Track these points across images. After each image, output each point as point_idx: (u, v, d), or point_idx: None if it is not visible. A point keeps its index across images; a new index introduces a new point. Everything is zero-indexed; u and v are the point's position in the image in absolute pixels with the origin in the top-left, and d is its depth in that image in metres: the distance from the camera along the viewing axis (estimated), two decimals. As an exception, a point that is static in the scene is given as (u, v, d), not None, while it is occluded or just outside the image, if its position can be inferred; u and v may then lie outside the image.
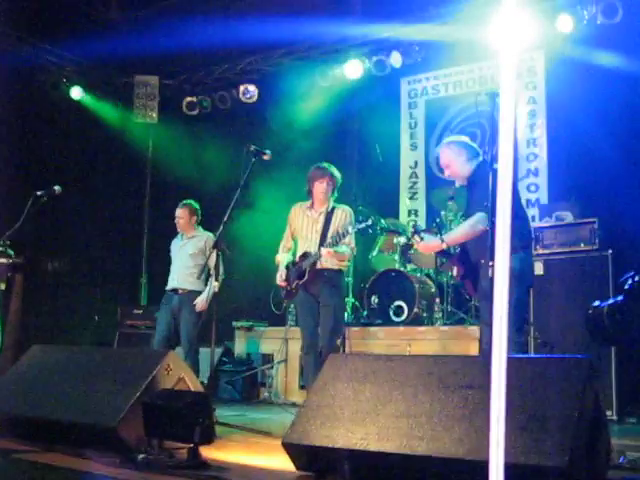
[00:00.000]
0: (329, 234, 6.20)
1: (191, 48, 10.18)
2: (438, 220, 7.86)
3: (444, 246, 5.11)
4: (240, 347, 8.88)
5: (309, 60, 9.78)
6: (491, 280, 4.56)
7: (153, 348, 7.23)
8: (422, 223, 9.18)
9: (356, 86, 9.67)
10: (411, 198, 9.62)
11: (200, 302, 7.09)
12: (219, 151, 9.74)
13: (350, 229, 5.99)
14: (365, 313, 8.07)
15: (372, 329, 7.83)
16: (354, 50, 9.51)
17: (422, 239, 5.20)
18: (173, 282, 7.38)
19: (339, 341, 6.45)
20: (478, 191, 4.89)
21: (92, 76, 10.60)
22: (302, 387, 6.58)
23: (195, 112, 10.74)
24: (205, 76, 10.71)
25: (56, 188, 6.74)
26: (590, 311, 5.40)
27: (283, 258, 6.48)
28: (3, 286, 7.17)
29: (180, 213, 7.42)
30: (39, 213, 6.64)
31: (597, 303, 5.43)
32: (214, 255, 7.07)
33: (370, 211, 7.70)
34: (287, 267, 6.38)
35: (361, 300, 8.15)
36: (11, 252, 6.89)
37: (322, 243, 6.18)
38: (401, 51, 9.16)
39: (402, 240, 8.02)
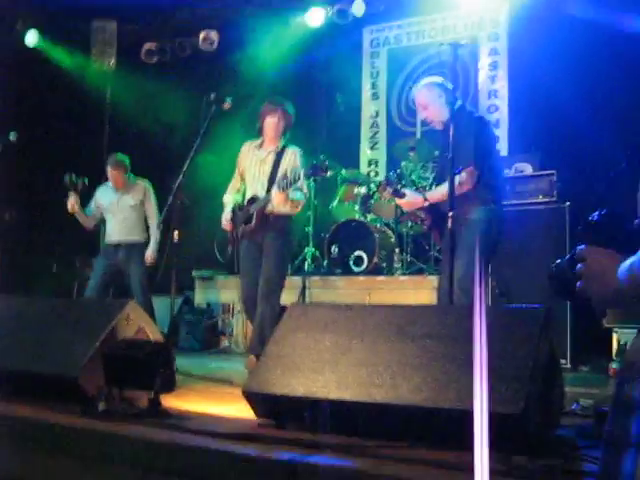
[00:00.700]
0: (278, 176, 5.73)
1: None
2: (398, 171, 7.89)
3: (426, 203, 5.08)
4: (200, 297, 8.88)
5: (270, 7, 9.62)
6: (450, 232, 4.60)
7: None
8: (382, 173, 9.20)
9: (319, 34, 9.55)
10: (372, 148, 9.61)
11: (151, 254, 7.09)
12: (179, 99, 9.56)
13: (302, 173, 5.53)
14: (325, 263, 8.10)
15: (332, 279, 7.87)
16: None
17: (404, 195, 5.16)
18: (115, 236, 7.31)
19: (287, 295, 6.10)
20: (464, 144, 4.77)
21: (48, 20, 10.33)
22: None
23: (154, 59, 10.54)
24: (164, 22, 10.49)
25: (11, 135, 6.62)
26: (554, 268, 5.45)
27: (229, 199, 6.13)
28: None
29: (115, 174, 7.25)
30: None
31: (559, 261, 5.49)
32: (153, 203, 7.07)
33: (331, 160, 7.68)
34: (234, 210, 6.03)
35: (321, 250, 8.17)
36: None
37: (270, 185, 5.74)
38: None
39: (362, 190, 8.01)
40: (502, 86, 8.71)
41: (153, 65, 10.58)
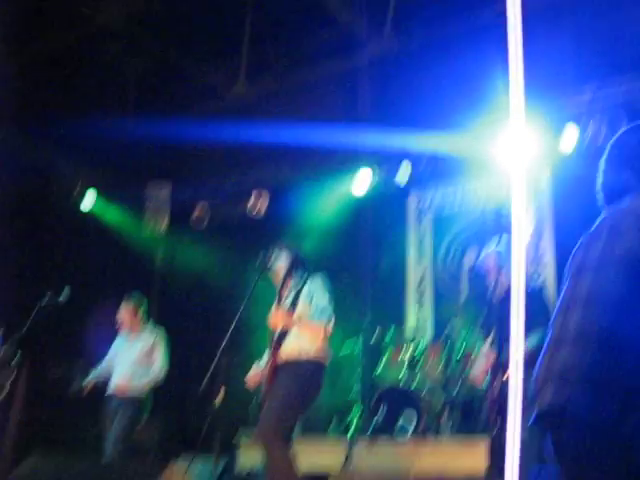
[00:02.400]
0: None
1: (203, 156, 10.35)
2: (446, 332, 7.83)
3: None
4: (245, 460, 8.61)
5: (319, 172, 9.92)
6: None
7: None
8: (430, 333, 9.14)
9: (366, 197, 9.78)
10: (419, 309, 9.58)
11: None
12: (228, 261, 9.75)
13: (319, 294, 5.30)
14: (371, 427, 7.90)
15: (377, 444, 7.64)
16: (363, 163, 9.65)
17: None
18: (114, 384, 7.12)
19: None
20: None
21: (105, 182, 10.70)
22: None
23: (204, 223, 10.79)
24: (216, 187, 10.80)
25: (62, 296, 6.69)
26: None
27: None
28: (4, 392, 7.08)
29: (125, 312, 7.19)
30: (47, 318, 6.60)
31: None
32: (162, 351, 6.98)
33: (378, 322, 7.66)
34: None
35: (367, 414, 7.98)
36: (16, 357, 6.82)
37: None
38: (409, 166, 9.28)
39: (409, 352, 7.93)
40: (547, 250, 8.74)
41: (203, 229, 10.81)
